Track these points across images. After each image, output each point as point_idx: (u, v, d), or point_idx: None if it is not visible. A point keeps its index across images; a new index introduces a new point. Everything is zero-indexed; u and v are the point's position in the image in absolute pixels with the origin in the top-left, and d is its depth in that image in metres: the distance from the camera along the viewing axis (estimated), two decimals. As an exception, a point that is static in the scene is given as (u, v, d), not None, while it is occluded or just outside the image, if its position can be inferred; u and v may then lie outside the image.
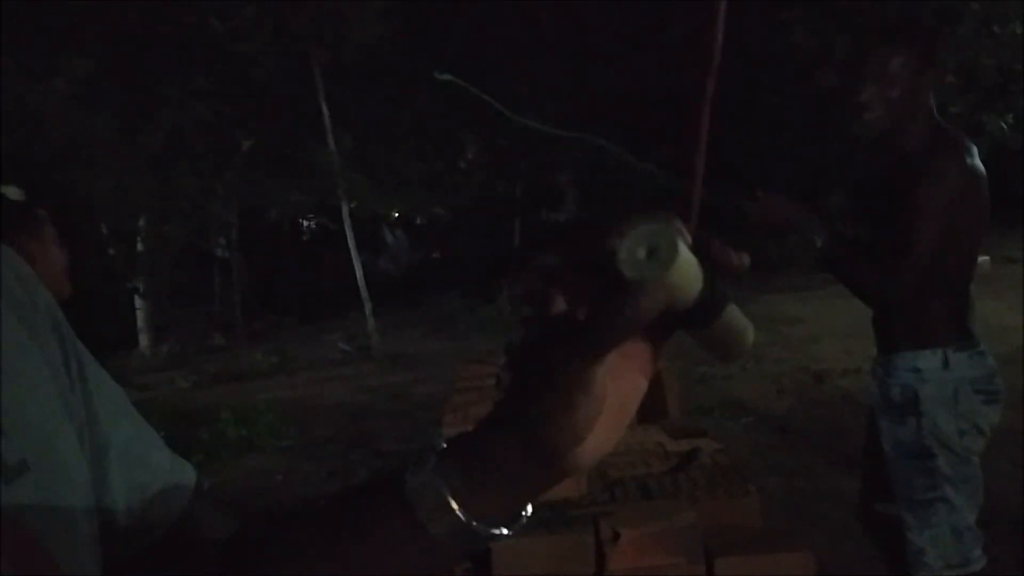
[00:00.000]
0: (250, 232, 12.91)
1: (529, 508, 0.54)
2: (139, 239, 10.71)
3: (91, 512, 0.54)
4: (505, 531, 0.53)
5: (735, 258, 0.48)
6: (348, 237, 10.26)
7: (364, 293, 10.30)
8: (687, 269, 0.46)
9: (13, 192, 1.89)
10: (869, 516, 2.47)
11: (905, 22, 2.32)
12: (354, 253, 10.26)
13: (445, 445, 0.53)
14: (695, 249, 0.47)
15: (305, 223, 17.71)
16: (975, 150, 2.25)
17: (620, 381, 0.50)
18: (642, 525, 2.19)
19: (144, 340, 11.31)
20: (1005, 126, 12.10)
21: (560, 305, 0.49)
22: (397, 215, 18.20)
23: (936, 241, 2.14)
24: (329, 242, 15.14)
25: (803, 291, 10.03)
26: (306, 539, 0.55)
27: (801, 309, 9.51)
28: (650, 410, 3.23)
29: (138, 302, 11.15)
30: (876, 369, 2.34)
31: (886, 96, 2.16)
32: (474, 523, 0.51)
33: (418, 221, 19.54)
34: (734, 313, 0.50)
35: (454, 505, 0.50)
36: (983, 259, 12.25)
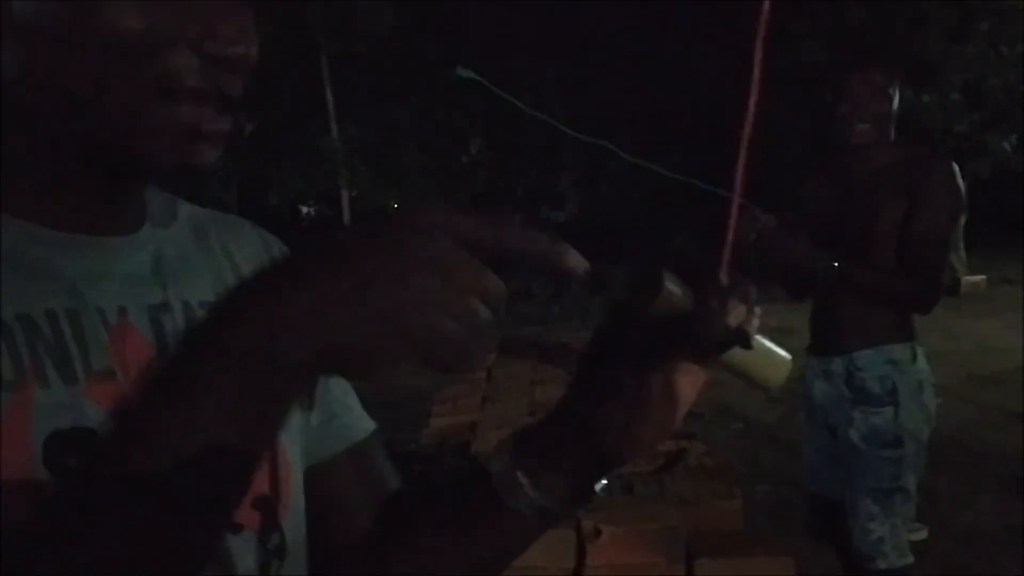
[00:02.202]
0: (248, 216, 12.92)
1: (602, 482, 0.63)
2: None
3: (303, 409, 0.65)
4: (577, 506, 0.63)
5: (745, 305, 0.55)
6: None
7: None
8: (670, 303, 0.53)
9: None
10: (821, 526, 2.49)
11: (880, 40, 2.44)
12: (352, 242, 10.29)
13: (519, 435, 0.62)
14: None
15: (305, 210, 17.76)
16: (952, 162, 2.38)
17: (674, 395, 0.59)
18: (624, 523, 2.20)
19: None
20: (1008, 147, 12.16)
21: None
22: (397, 206, 18.30)
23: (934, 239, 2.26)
24: (327, 230, 15.19)
25: (795, 302, 10.06)
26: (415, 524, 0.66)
27: (793, 320, 9.53)
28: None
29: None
30: (834, 366, 2.37)
31: (874, 111, 2.27)
32: (547, 502, 0.60)
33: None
34: (749, 351, 0.56)
35: (527, 487, 0.60)
36: (979, 278, 12.30)
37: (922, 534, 2.36)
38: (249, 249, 0.67)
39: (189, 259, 0.62)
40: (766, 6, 0.56)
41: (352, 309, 0.40)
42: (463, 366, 0.41)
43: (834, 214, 2.42)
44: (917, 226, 2.27)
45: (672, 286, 0.54)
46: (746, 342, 0.55)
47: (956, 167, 2.35)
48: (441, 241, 0.41)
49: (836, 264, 2.24)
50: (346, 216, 10.41)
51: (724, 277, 0.55)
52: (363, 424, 0.72)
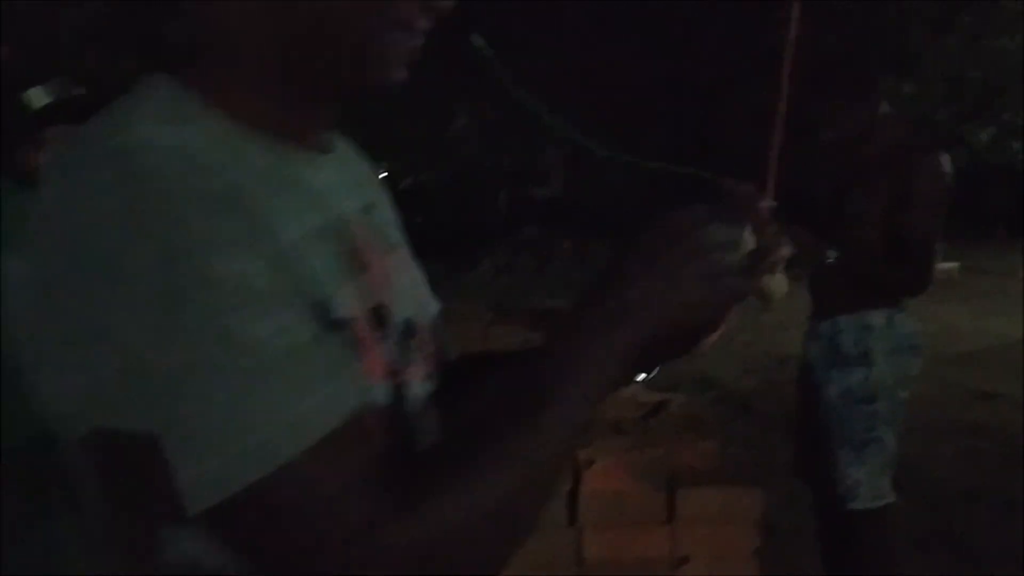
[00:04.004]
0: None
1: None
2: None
3: None
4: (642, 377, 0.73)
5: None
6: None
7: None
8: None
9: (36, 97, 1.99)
10: (805, 468, 2.74)
11: (864, 29, 2.65)
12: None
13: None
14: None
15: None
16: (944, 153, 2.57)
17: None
18: (615, 455, 2.44)
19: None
20: (986, 139, 12.46)
21: None
22: (382, 176, 18.30)
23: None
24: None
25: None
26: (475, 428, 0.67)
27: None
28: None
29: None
30: (822, 329, 2.61)
31: (836, 131, 2.54)
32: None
33: (402, 185, 19.66)
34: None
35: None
36: (950, 266, 12.65)
37: (890, 497, 2.56)
38: (363, 162, 0.86)
39: (357, 171, 0.80)
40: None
41: (679, 295, 0.64)
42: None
43: (827, 201, 2.65)
44: (907, 216, 2.45)
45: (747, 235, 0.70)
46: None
47: (947, 158, 2.54)
48: (696, 233, 0.65)
49: (834, 256, 2.47)
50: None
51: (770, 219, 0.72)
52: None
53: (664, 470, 2.47)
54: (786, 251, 0.71)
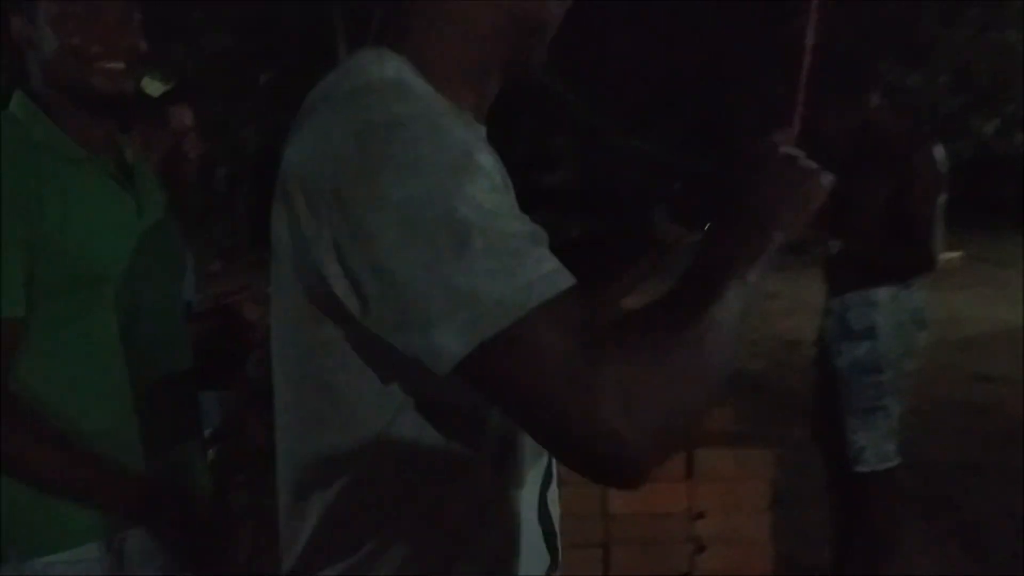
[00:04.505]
0: (260, 163, 13.19)
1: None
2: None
3: None
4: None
5: None
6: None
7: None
8: None
9: (155, 87, 2.26)
10: (819, 433, 2.95)
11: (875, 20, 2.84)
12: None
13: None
14: None
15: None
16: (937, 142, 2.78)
17: None
18: (638, 417, 2.65)
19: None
20: (991, 130, 12.59)
21: None
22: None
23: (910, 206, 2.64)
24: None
25: (782, 268, 10.50)
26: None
27: (779, 285, 10.00)
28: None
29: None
30: (833, 305, 2.81)
31: (839, 113, 2.73)
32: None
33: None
34: None
35: None
36: (954, 255, 12.81)
37: (895, 460, 2.77)
38: None
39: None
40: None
41: (793, 198, 0.89)
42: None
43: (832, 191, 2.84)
44: (905, 203, 2.65)
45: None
46: None
47: (941, 149, 2.74)
48: (782, 149, 0.93)
49: (837, 245, 2.65)
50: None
51: None
52: None
53: (684, 432, 2.67)
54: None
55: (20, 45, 1.27)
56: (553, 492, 0.93)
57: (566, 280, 0.72)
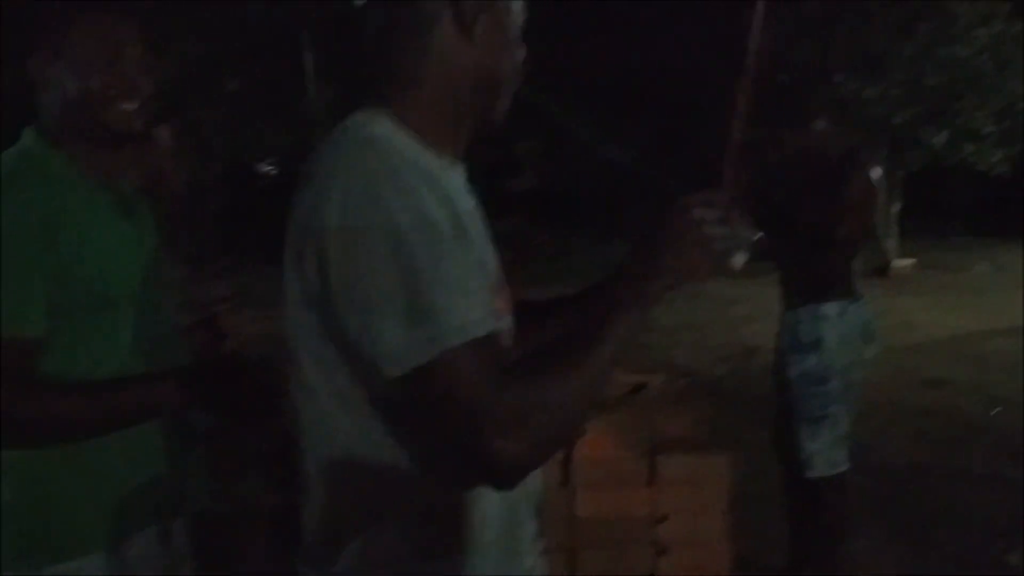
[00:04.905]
0: (226, 172, 13.14)
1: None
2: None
3: None
4: None
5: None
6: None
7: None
8: None
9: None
10: (778, 440, 3.10)
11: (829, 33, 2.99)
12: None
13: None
14: None
15: (281, 169, 17.86)
16: (875, 161, 2.91)
17: None
18: (602, 425, 2.78)
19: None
20: (942, 141, 12.93)
21: None
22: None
23: (846, 227, 2.78)
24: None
25: (743, 276, 10.69)
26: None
27: (740, 291, 10.21)
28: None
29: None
30: (786, 318, 2.95)
31: (786, 137, 2.93)
32: None
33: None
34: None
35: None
36: (908, 262, 13.15)
37: (844, 466, 2.91)
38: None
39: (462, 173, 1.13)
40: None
41: (681, 259, 1.02)
42: (726, 270, 1.05)
43: (782, 209, 2.98)
44: (839, 220, 2.78)
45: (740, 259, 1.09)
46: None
47: (879, 171, 2.87)
48: (697, 212, 1.03)
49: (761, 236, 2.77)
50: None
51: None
52: None
53: (646, 439, 2.81)
54: (751, 234, 1.10)
55: (36, 83, 1.35)
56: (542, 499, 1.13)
57: (494, 322, 0.94)
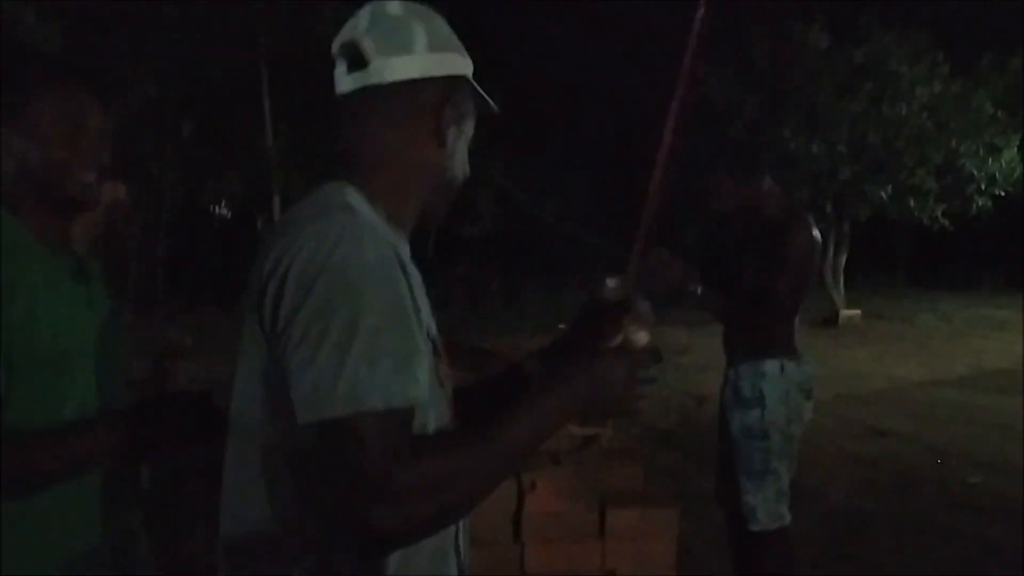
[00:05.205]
0: (178, 214, 13.05)
1: None
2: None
3: None
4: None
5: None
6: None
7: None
8: None
9: None
10: (720, 493, 3.14)
11: (732, 149, 3.06)
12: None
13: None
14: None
15: (217, 210, 17.77)
16: (813, 224, 2.97)
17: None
18: (553, 480, 2.81)
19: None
20: (885, 196, 13.35)
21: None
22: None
23: (785, 287, 2.84)
24: (255, 231, 15.31)
25: (694, 325, 10.91)
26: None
27: (690, 340, 10.38)
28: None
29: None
30: (729, 375, 3.02)
31: (725, 204, 2.98)
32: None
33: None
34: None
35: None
36: (853, 312, 13.48)
37: (787, 520, 2.92)
38: None
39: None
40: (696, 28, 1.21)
41: (602, 393, 1.11)
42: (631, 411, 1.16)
43: (730, 265, 3.07)
44: (776, 277, 2.83)
45: (611, 283, 1.24)
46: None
47: (816, 231, 2.93)
48: (622, 360, 1.14)
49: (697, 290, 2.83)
50: (276, 215, 10.71)
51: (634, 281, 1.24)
52: None
53: (596, 493, 2.84)
54: (644, 337, 1.21)
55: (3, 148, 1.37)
56: (465, 535, 1.20)
57: (413, 398, 0.98)
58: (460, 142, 1.21)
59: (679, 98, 1.34)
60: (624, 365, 1.14)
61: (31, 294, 1.33)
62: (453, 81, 1.18)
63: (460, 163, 1.21)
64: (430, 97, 1.16)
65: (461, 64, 1.20)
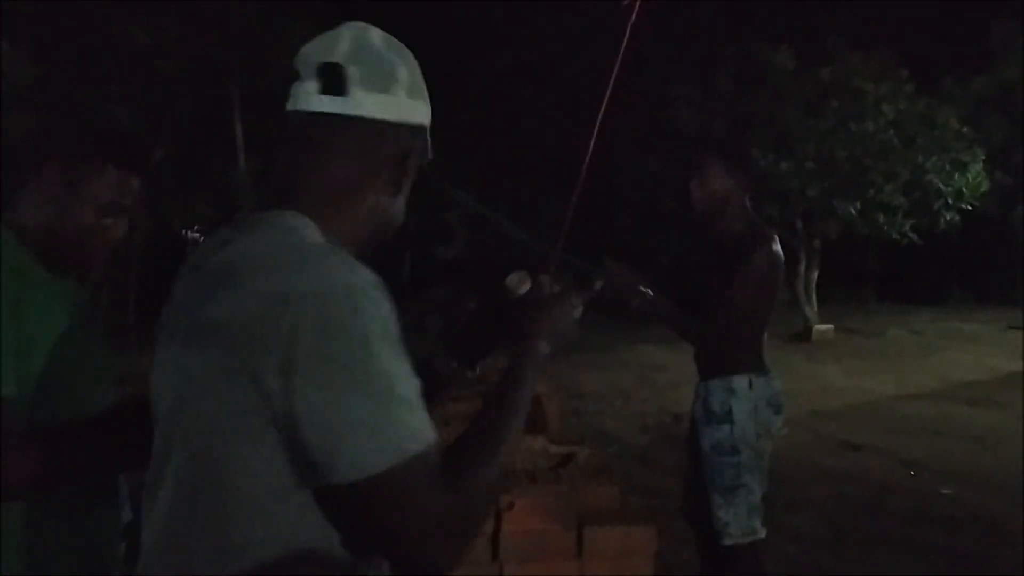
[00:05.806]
0: (154, 239, 12.95)
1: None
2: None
3: None
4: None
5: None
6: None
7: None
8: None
9: None
10: (689, 509, 3.17)
11: (724, 140, 3.09)
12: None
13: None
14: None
15: (190, 234, 17.68)
16: (777, 240, 3.00)
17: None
18: (531, 499, 2.82)
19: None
20: (854, 212, 13.54)
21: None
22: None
23: (748, 302, 2.88)
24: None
25: (669, 342, 10.98)
26: None
27: (666, 358, 10.45)
28: (535, 423, 3.88)
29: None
30: (699, 390, 3.06)
31: (705, 189, 2.98)
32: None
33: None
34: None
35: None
36: (826, 327, 13.61)
37: (760, 534, 2.94)
38: None
39: None
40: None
41: (564, 327, 1.22)
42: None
43: (702, 283, 3.10)
44: (736, 295, 2.86)
45: (514, 277, 1.38)
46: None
47: (779, 251, 2.95)
48: (557, 300, 1.25)
49: (648, 293, 2.87)
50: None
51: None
52: None
53: (573, 511, 2.85)
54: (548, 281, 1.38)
55: (30, 191, 1.43)
56: None
57: (432, 433, 1.00)
58: (407, 189, 1.21)
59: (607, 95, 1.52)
60: (561, 303, 1.27)
61: (30, 317, 1.36)
62: (419, 131, 1.18)
63: (401, 208, 1.23)
64: (398, 143, 1.15)
65: (425, 113, 1.20)
